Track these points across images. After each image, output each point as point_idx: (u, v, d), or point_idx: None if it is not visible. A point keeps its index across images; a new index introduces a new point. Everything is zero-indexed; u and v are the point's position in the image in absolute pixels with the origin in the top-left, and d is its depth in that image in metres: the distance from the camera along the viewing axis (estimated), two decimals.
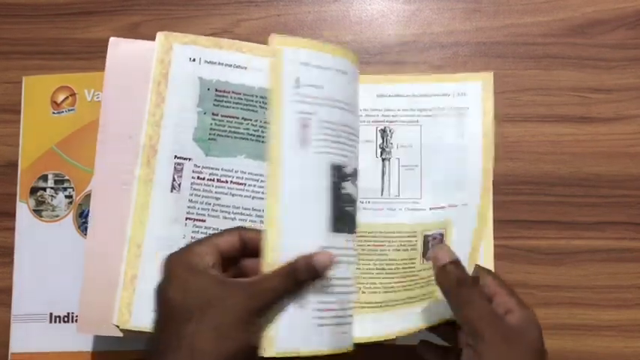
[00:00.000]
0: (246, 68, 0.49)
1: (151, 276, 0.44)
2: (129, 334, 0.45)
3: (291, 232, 0.42)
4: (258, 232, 0.41)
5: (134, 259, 0.45)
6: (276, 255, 0.40)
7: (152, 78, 0.48)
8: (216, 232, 0.41)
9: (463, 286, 0.38)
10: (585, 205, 0.53)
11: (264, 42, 0.55)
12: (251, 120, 0.48)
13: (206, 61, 0.48)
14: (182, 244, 0.42)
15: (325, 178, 0.45)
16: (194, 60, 0.48)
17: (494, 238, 0.50)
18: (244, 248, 0.40)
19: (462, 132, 0.51)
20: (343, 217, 0.45)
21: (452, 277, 0.39)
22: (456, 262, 0.39)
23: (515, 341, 0.37)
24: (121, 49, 0.49)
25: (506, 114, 0.54)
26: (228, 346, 0.35)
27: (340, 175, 0.46)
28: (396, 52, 0.55)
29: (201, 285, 0.37)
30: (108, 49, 0.49)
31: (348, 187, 0.46)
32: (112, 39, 0.49)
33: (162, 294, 0.37)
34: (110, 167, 0.48)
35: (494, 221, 0.50)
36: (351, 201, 0.46)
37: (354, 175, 0.47)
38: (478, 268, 0.43)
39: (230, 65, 0.49)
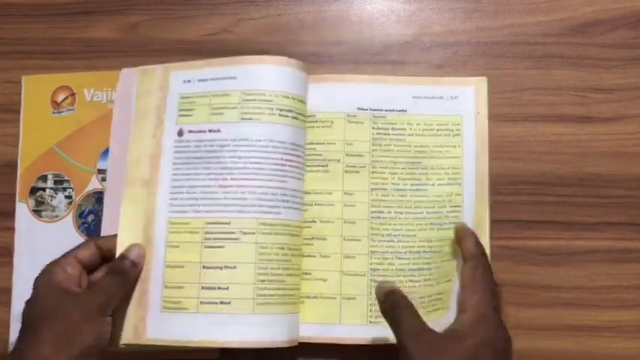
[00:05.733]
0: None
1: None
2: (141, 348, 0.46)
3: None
4: (112, 238, 0.46)
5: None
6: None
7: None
8: (75, 246, 0.45)
9: (396, 309, 0.40)
10: (585, 205, 0.53)
11: (265, 42, 0.56)
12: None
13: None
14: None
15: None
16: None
17: (495, 238, 0.50)
18: (104, 255, 0.45)
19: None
20: None
21: (387, 304, 0.41)
22: (392, 290, 0.41)
23: (442, 351, 0.38)
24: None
25: (506, 114, 0.54)
26: (71, 349, 0.39)
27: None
28: (396, 52, 0.55)
29: (47, 298, 0.41)
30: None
31: None
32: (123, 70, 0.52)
33: (23, 310, 0.42)
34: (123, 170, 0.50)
35: (495, 221, 0.50)
36: None
37: None
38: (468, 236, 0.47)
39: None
